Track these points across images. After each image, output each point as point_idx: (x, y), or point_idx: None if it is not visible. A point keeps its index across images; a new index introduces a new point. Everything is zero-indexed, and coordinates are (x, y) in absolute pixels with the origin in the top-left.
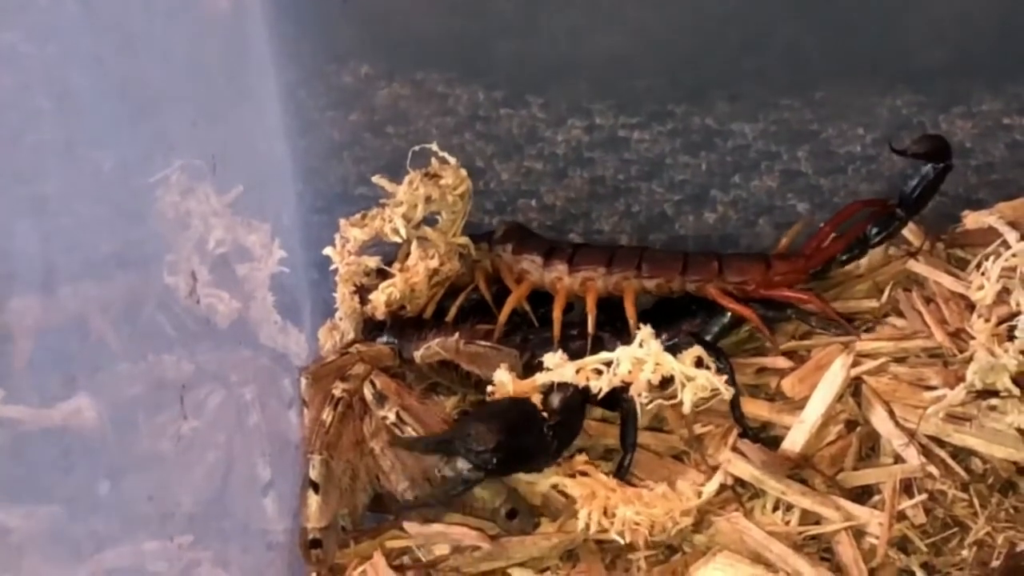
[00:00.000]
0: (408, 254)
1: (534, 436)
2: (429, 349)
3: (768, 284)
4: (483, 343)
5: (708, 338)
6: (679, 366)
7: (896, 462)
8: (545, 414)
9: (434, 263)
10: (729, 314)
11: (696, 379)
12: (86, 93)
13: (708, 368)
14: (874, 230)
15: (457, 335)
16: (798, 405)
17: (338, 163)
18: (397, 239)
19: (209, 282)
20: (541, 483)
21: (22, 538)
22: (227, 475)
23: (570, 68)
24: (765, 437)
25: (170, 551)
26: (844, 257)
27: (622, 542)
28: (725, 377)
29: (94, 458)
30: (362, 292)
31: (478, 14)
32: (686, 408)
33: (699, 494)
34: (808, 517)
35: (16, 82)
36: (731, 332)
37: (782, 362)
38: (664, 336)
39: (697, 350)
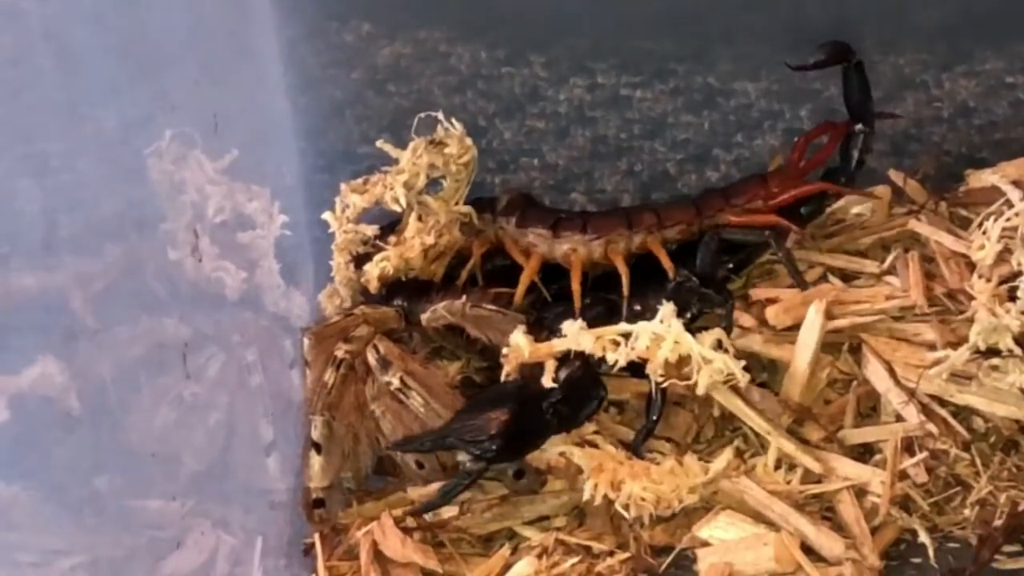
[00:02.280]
0: (407, 225)
1: (534, 419)
2: (435, 312)
3: (772, 196)
4: (490, 306)
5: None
6: (698, 347)
7: (897, 421)
8: (547, 388)
9: (430, 239)
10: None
11: (714, 362)
12: (87, 52)
13: (727, 352)
14: (850, 150)
15: (464, 298)
16: (788, 338)
17: (340, 122)
18: (397, 208)
19: (212, 249)
20: (549, 450)
21: (24, 500)
22: (230, 436)
23: (572, 27)
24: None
25: (172, 510)
26: (840, 183)
27: (626, 515)
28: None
29: (96, 419)
30: (360, 260)
31: None
32: (700, 390)
33: (706, 471)
34: (810, 476)
35: (16, 40)
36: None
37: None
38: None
39: (718, 332)
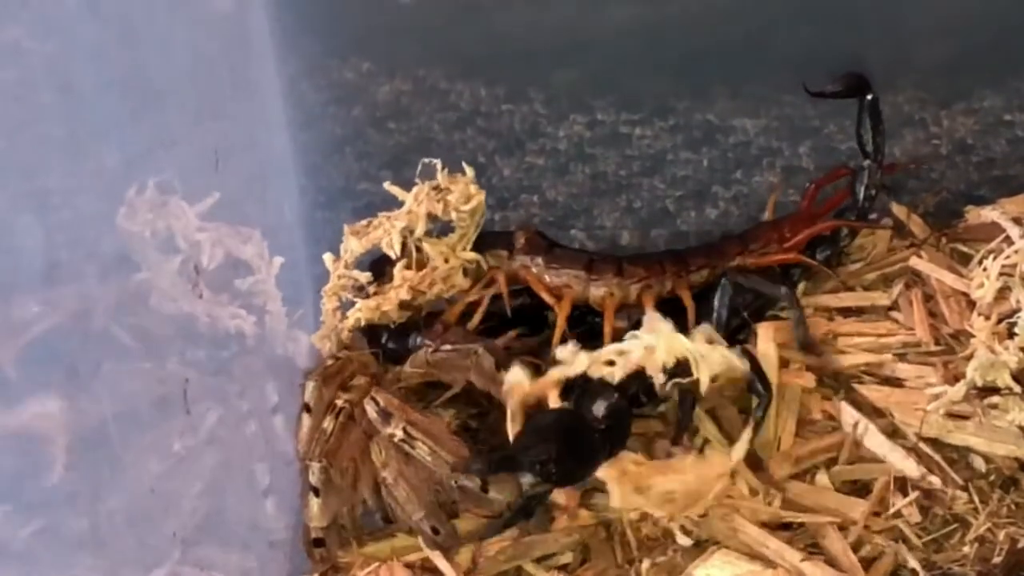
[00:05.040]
0: (392, 275)
1: (588, 443)
2: (404, 372)
3: (786, 239)
4: (447, 347)
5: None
6: (691, 344)
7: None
8: (595, 417)
9: (406, 295)
10: (730, 293)
11: (710, 356)
12: (88, 88)
13: (720, 344)
14: (860, 187)
15: (426, 346)
16: None
17: (340, 158)
18: (391, 254)
19: (209, 288)
20: None
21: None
22: (228, 474)
23: (572, 64)
24: None
25: (170, 547)
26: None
27: (660, 515)
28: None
29: (96, 454)
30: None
31: (479, 10)
32: (703, 386)
33: (729, 459)
34: (792, 504)
35: (18, 77)
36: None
37: None
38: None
39: (707, 328)
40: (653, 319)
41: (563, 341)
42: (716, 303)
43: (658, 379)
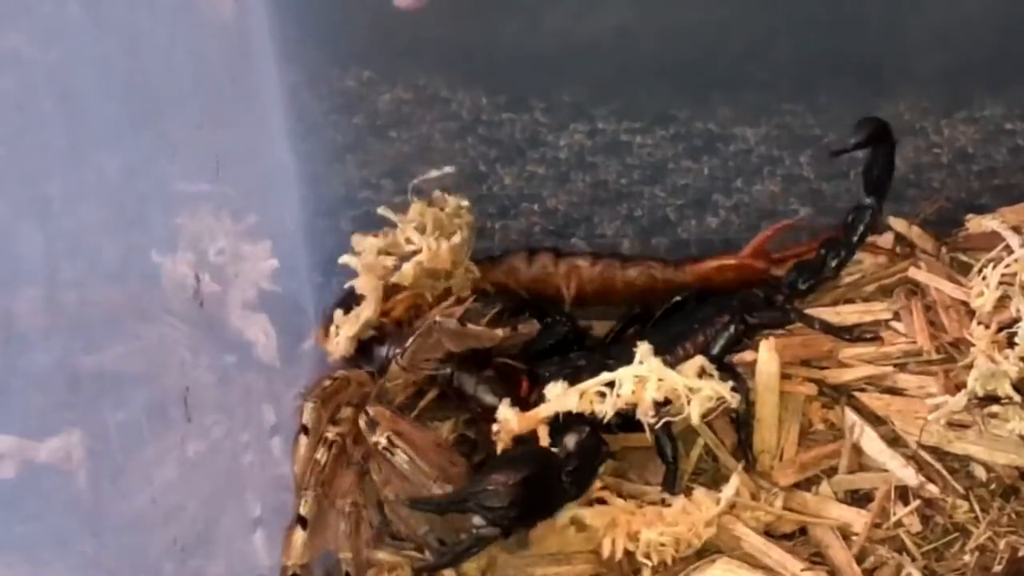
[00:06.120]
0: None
1: (551, 485)
2: (387, 387)
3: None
4: (408, 341)
5: (715, 352)
6: (682, 379)
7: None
8: (561, 456)
9: (370, 316)
10: (733, 327)
11: (701, 390)
12: (90, 96)
13: (712, 376)
14: (856, 223)
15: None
16: None
17: (341, 167)
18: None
19: (211, 299)
20: (561, 518)
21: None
22: (223, 500)
23: (572, 72)
24: None
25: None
26: (834, 263)
27: (650, 564)
28: (731, 384)
29: (98, 466)
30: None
31: (480, 19)
32: (694, 421)
33: (717, 501)
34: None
35: (19, 85)
36: (737, 344)
37: None
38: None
39: (699, 360)
40: (643, 351)
41: (552, 380)
42: (721, 346)
43: (647, 419)
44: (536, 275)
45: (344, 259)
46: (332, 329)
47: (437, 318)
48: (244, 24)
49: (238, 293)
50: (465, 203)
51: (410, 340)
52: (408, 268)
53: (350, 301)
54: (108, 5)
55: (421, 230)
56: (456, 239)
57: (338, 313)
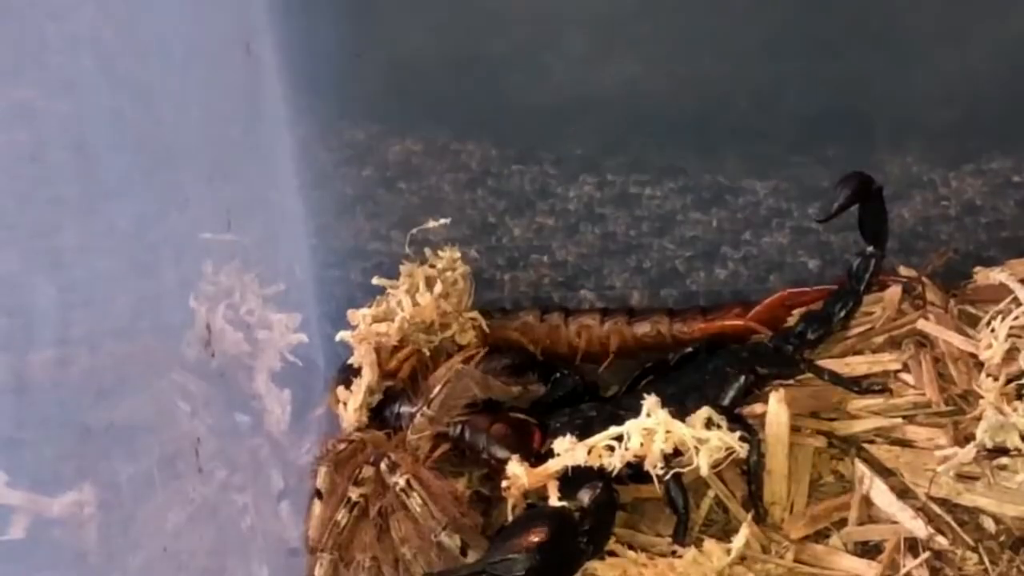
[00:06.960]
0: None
1: (569, 548)
2: (411, 440)
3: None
4: (435, 390)
5: (726, 403)
6: (689, 431)
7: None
8: (577, 514)
9: (371, 383)
10: (743, 377)
11: (709, 441)
12: (102, 148)
13: (719, 427)
14: (861, 273)
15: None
16: None
17: (351, 218)
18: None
19: (221, 353)
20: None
21: None
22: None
23: (581, 124)
24: None
25: None
26: (842, 313)
27: None
28: (739, 434)
29: (108, 516)
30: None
31: (489, 72)
32: (703, 471)
33: (727, 552)
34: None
35: (32, 137)
36: (747, 395)
37: None
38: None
39: (707, 411)
40: (651, 404)
41: (563, 432)
42: (731, 397)
43: (656, 471)
44: (548, 332)
45: (341, 335)
46: (340, 406)
47: (459, 368)
48: (255, 77)
49: (262, 363)
50: (457, 255)
51: (437, 389)
52: (394, 325)
53: (351, 373)
54: (120, 58)
55: (414, 291)
56: (438, 289)
57: (341, 390)
